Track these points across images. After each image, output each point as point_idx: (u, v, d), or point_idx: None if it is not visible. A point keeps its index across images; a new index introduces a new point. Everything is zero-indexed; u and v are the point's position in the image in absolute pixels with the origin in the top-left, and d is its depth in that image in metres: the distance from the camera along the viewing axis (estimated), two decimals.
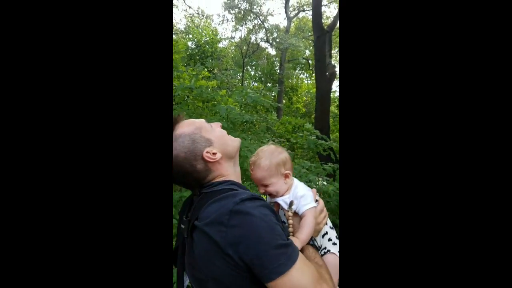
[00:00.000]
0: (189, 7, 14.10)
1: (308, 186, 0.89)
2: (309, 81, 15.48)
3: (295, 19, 14.77)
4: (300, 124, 6.65)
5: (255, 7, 13.18)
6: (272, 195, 0.85)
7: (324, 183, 2.91)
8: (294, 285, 0.59)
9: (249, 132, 3.88)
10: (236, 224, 0.60)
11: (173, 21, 14.11)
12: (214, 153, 0.76)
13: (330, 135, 9.03)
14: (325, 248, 0.84)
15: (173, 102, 4.13)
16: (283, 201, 0.83)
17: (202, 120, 0.83)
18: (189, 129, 0.77)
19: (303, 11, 14.24)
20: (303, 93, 14.97)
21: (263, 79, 14.71)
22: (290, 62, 14.35)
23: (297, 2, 14.37)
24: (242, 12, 13.15)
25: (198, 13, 14.23)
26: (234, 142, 0.83)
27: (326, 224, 0.85)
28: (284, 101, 13.33)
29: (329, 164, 3.68)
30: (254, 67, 15.30)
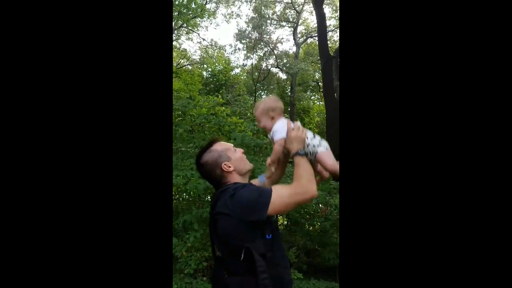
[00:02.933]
0: (203, 39, 15.10)
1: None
2: (320, 103, 15.84)
3: (303, 44, 15.46)
4: None
5: (265, 36, 13.96)
6: (264, 128, 1.29)
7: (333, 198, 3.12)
8: (280, 199, 1.02)
9: (261, 154, 4.21)
10: (233, 202, 1.02)
11: (188, 52, 15.12)
12: (229, 166, 1.15)
13: None
14: (314, 152, 1.22)
15: (191, 129, 4.53)
16: (269, 136, 1.29)
17: (231, 145, 1.24)
18: (220, 148, 1.19)
19: (311, 37, 14.92)
20: (315, 114, 15.29)
21: None
22: (300, 85, 14.83)
23: (305, 29, 15.14)
24: (252, 41, 13.93)
25: (211, 45, 15.21)
26: (246, 165, 1.23)
27: (307, 138, 1.25)
28: None
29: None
30: (265, 92, 15.92)
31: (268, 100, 1.31)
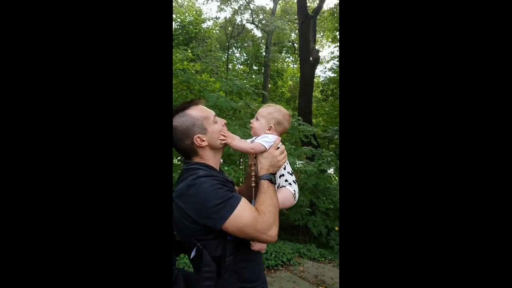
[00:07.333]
0: None
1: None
2: (294, 66, 15.52)
3: (281, 1, 14.55)
4: None
5: None
6: (253, 131, 1.13)
7: (303, 163, 3.14)
8: (237, 222, 0.83)
9: (234, 118, 4.03)
10: (191, 194, 0.84)
11: None
12: (203, 140, 0.95)
13: (313, 120, 9.24)
14: (280, 185, 1.09)
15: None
16: (252, 137, 1.13)
17: (213, 113, 1.02)
18: (196, 114, 0.97)
19: None
20: (288, 78, 15.03)
21: (248, 62, 14.60)
22: (276, 45, 14.26)
23: None
24: None
25: None
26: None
27: (285, 168, 1.10)
28: (269, 85, 13.36)
29: (310, 148, 3.93)
30: (239, 49, 15.12)
31: (283, 113, 1.14)
